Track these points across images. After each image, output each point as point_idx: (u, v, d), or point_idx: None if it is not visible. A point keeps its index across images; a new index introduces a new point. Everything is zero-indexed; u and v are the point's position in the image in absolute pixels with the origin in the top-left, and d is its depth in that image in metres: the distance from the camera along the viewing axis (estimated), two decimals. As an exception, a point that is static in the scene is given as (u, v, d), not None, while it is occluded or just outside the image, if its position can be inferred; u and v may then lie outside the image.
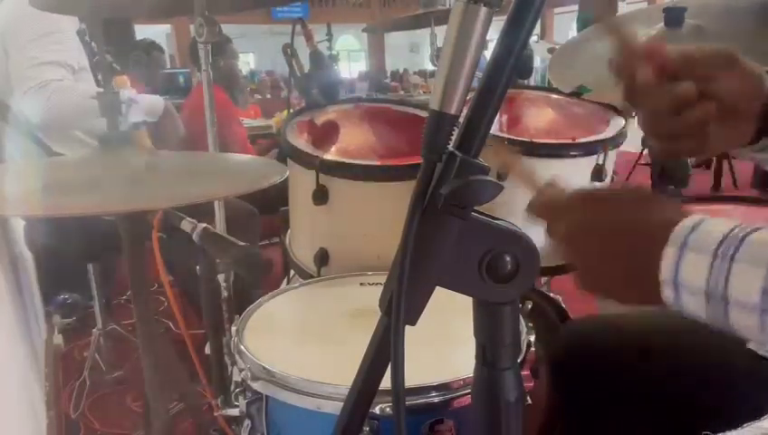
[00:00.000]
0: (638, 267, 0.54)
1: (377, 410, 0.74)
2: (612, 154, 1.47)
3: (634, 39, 0.69)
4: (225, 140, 2.02)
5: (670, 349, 0.92)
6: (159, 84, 3.15)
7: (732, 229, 0.49)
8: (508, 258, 0.47)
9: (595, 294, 0.61)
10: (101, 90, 1.18)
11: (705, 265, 0.49)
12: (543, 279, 1.98)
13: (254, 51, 18.61)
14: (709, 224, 0.51)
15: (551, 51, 1.54)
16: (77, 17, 1.82)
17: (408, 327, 0.46)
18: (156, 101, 2.02)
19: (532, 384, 0.83)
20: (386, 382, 0.49)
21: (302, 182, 1.33)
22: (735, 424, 0.66)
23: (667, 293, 0.52)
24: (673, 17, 1.25)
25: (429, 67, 12.22)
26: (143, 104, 1.94)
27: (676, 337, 0.92)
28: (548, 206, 0.64)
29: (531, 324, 0.92)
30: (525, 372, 0.85)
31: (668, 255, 0.51)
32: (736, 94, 0.65)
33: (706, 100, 0.65)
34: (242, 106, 3.43)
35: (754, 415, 0.71)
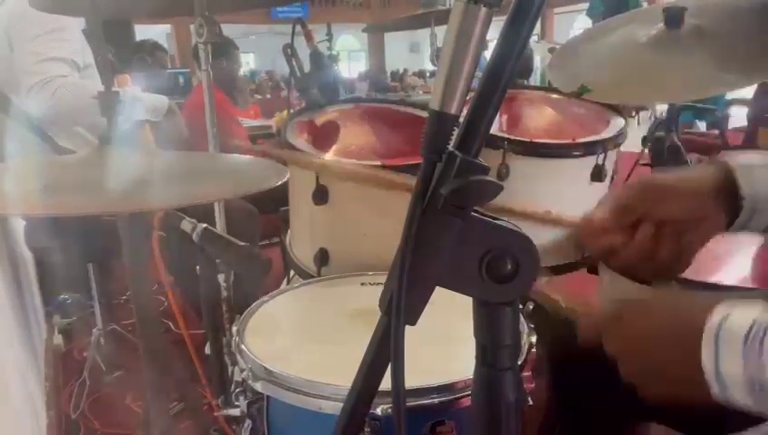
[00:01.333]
0: (688, 372, 0.56)
1: (378, 410, 0.73)
2: (612, 154, 1.47)
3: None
4: (226, 141, 2.03)
5: None
6: (162, 84, 3.15)
7: (757, 318, 0.53)
8: (508, 258, 0.47)
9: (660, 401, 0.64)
10: (102, 89, 1.18)
11: (738, 355, 0.52)
12: (543, 279, 1.98)
13: (254, 51, 18.62)
14: (736, 314, 0.54)
15: (551, 51, 1.54)
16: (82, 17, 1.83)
17: (408, 327, 0.46)
18: (159, 101, 2.03)
19: (532, 384, 0.83)
20: (386, 383, 0.49)
21: (302, 182, 1.33)
22: (739, 426, 0.65)
23: (715, 390, 0.54)
24: (673, 17, 1.25)
25: (429, 67, 12.23)
26: (147, 103, 1.94)
27: None
28: (596, 328, 0.68)
29: (532, 325, 0.92)
30: (527, 374, 0.85)
31: (706, 354, 0.54)
32: (680, 211, 0.72)
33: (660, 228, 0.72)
34: (241, 106, 3.42)
35: (759, 419, 0.70)
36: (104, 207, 0.88)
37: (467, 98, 0.45)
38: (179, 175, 0.99)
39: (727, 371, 0.53)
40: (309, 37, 1.61)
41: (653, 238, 0.72)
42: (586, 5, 5.32)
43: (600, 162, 1.43)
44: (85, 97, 1.70)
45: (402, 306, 0.45)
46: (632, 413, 0.98)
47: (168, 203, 0.90)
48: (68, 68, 1.77)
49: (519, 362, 0.81)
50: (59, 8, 1.40)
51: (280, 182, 0.88)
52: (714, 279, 1.05)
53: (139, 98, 1.87)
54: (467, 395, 0.77)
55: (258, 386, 0.82)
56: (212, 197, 1.17)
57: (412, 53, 18.20)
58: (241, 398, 0.87)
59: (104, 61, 1.01)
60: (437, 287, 0.48)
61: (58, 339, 2.29)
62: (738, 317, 0.54)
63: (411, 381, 0.47)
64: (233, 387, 0.91)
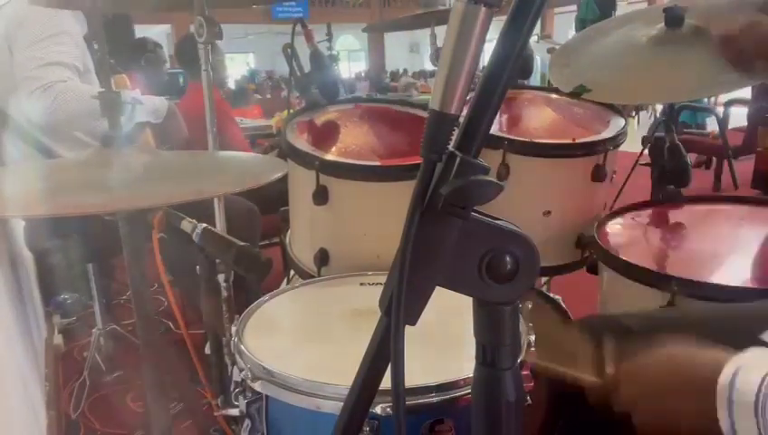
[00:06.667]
0: (706, 426, 0.57)
1: (377, 410, 0.73)
2: (612, 154, 1.47)
3: None
4: (223, 140, 2.03)
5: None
6: (162, 84, 3.15)
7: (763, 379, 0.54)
8: (508, 258, 0.47)
9: None
10: (103, 89, 1.18)
11: (751, 413, 0.54)
12: (543, 279, 1.98)
13: (254, 51, 18.61)
14: (745, 373, 0.56)
15: (551, 51, 1.54)
16: (83, 20, 1.83)
17: (408, 327, 0.46)
18: (160, 103, 2.03)
19: (532, 384, 0.83)
20: (386, 382, 0.49)
21: (302, 182, 1.33)
22: None
23: None
24: (673, 17, 1.25)
25: (429, 67, 12.23)
26: (147, 105, 1.94)
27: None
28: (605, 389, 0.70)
29: (531, 324, 0.92)
30: (525, 372, 0.85)
31: (721, 414, 0.56)
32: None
33: None
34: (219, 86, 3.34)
35: None
36: (104, 207, 0.88)
37: (467, 98, 0.45)
38: (179, 174, 0.99)
39: (740, 426, 0.54)
40: (309, 37, 1.61)
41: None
42: (585, 6, 5.33)
43: (600, 162, 1.43)
44: (85, 101, 1.70)
45: (402, 306, 0.45)
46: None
47: (167, 200, 0.90)
48: (68, 72, 1.77)
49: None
50: (59, 2, 1.40)
51: (278, 176, 0.88)
52: (714, 279, 1.05)
53: (139, 100, 1.87)
54: (466, 394, 0.77)
55: (257, 386, 0.82)
56: (212, 193, 1.17)
57: (412, 53, 18.20)
58: (240, 398, 0.87)
59: (104, 61, 1.01)
60: (437, 287, 0.48)
61: (58, 339, 2.28)
62: (747, 375, 0.55)
63: (410, 380, 0.47)
64: (232, 387, 0.91)
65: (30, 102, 1.72)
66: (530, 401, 0.81)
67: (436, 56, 2.25)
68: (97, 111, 1.09)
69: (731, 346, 0.64)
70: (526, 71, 1.65)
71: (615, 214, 1.38)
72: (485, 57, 0.46)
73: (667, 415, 0.62)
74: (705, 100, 5.25)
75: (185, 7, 1.32)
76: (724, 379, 0.56)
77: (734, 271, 1.12)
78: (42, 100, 1.71)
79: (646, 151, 1.53)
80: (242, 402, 0.87)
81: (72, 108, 1.73)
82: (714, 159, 5.04)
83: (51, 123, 1.74)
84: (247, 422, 0.87)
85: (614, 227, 1.32)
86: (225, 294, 1.16)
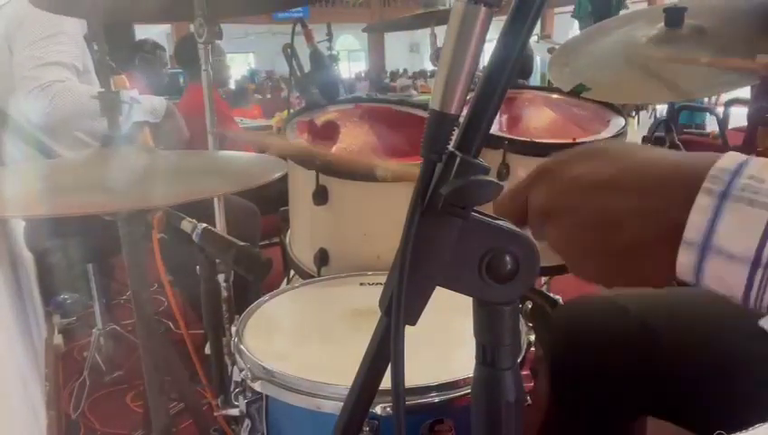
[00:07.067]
0: (649, 228, 0.42)
1: (377, 409, 0.73)
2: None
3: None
4: (223, 140, 2.03)
5: (673, 340, 0.88)
6: (163, 84, 3.16)
7: None
8: (508, 258, 0.47)
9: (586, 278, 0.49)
10: (102, 89, 1.18)
11: (759, 223, 0.37)
12: (543, 279, 1.98)
13: (254, 51, 18.61)
14: (757, 166, 0.39)
15: (551, 51, 1.53)
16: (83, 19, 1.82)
17: (408, 327, 0.46)
18: (158, 102, 2.03)
19: (531, 384, 0.83)
20: (386, 382, 0.49)
21: (302, 182, 1.33)
22: (744, 420, 0.59)
23: (686, 259, 0.40)
24: (673, 17, 1.25)
25: (429, 67, 12.23)
26: (145, 104, 1.94)
27: (677, 322, 0.89)
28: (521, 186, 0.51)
29: (531, 324, 0.92)
30: (525, 372, 0.85)
31: (700, 208, 0.39)
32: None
33: None
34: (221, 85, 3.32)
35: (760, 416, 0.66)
36: (104, 207, 0.88)
37: (467, 98, 0.45)
38: (179, 174, 0.99)
39: (726, 240, 0.38)
40: (309, 37, 1.61)
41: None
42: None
43: (599, 162, 1.43)
44: (83, 102, 1.70)
45: (402, 306, 0.45)
46: (630, 410, 0.98)
47: (167, 201, 0.90)
48: (67, 72, 1.77)
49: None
50: (60, 8, 1.40)
51: (278, 176, 0.88)
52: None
53: (137, 100, 1.87)
54: (466, 394, 0.77)
55: (257, 386, 0.82)
56: (212, 193, 1.17)
57: (412, 53, 18.21)
58: (240, 398, 0.87)
59: (103, 62, 1.01)
60: (437, 287, 0.48)
61: (58, 339, 2.29)
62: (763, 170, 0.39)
63: (410, 380, 0.47)
64: (232, 387, 0.91)
65: (28, 102, 1.72)
66: (530, 401, 0.81)
67: (436, 56, 2.25)
68: (95, 111, 1.09)
69: (732, 330, 0.59)
70: (526, 71, 1.65)
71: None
72: (485, 57, 0.46)
73: (611, 214, 0.44)
74: (705, 99, 5.23)
75: (186, 17, 1.32)
76: (723, 163, 0.40)
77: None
78: (39, 100, 1.71)
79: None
80: (242, 402, 0.87)
81: (69, 108, 1.73)
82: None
83: (49, 123, 1.74)
84: (247, 422, 0.87)
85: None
86: (225, 294, 1.16)
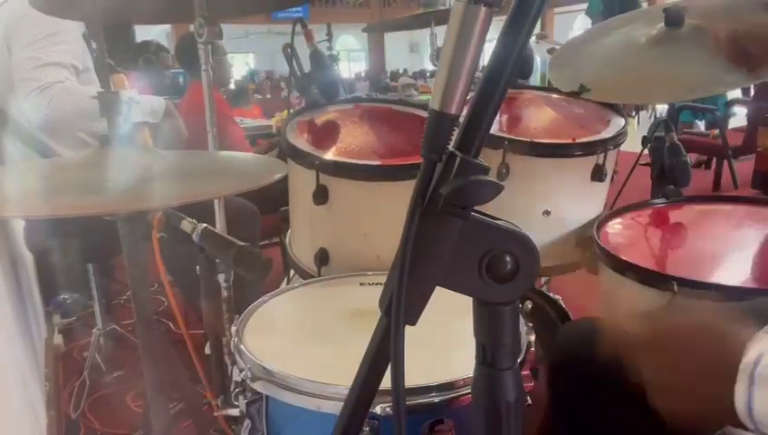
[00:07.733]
0: (720, 402, 0.56)
1: (377, 409, 0.73)
2: (612, 154, 1.47)
3: None
4: (223, 140, 2.03)
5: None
6: (164, 85, 3.15)
7: None
8: (508, 258, 0.47)
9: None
10: (101, 89, 1.18)
11: None
12: (543, 279, 1.98)
13: (254, 51, 18.61)
14: None
15: (551, 51, 1.54)
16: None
17: (408, 327, 0.46)
18: (157, 102, 2.02)
19: (532, 384, 0.83)
20: (386, 382, 0.49)
21: (302, 182, 1.33)
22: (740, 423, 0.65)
23: (746, 422, 0.55)
24: (673, 17, 1.25)
25: (429, 67, 12.23)
26: (144, 104, 1.94)
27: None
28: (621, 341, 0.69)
29: (531, 324, 0.92)
30: (525, 372, 0.85)
31: (741, 390, 0.54)
32: None
33: None
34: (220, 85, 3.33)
35: None
36: (104, 207, 0.88)
37: (467, 98, 0.45)
38: (179, 174, 0.99)
39: (761, 413, 0.54)
40: (309, 37, 1.61)
41: None
42: (586, 5, 5.32)
43: (600, 162, 1.43)
44: (82, 102, 1.70)
45: (402, 306, 0.45)
46: (632, 413, 0.98)
47: (167, 202, 0.90)
48: (66, 72, 1.76)
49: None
50: (58, 10, 1.40)
51: (278, 177, 0.88)
52: (714, 279, 1.05)
53: (136, 100, 1.87)
54: (466, 394, 0.77)
55: (257, 386, 0.82)
56: (212, 194, 1.17)
57: (412, 53, 18.21)
58: (240, 398, 0.87)
59: (102, 61, 1.01)
60: (437, 287, 0.48)
61: (58, 339, 2.28)
62: None
63: (410, 380, 0.47)
64: (232, 387, 0.91)
65: (27, 104, 1.72)
66: (530, 401, 0.81)
67: (436, 56, 2.25)
68: (94, 111, 1.09)
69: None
70: (526, 71, 1.65)
71: (615, 214, 1.38)
72: (485, 57, 0.46)
73: (684, 382, 0.61)
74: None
75: (186, 17, 1.32)
76: (749, 358, 0.55)
77: (734, 270, 1.12)
78: (38, 101, 1.70)
79: (646, 151, 1.52)
80: (242, 402, 0.87)
81: (68, 109, 1.73)
82: (714, 159, 5.04)
83: (48, 124, 1.74)
84: (247, 422, 0.87)
85: (614, 227, 1.32)
86: (225, 294, 1.16)
